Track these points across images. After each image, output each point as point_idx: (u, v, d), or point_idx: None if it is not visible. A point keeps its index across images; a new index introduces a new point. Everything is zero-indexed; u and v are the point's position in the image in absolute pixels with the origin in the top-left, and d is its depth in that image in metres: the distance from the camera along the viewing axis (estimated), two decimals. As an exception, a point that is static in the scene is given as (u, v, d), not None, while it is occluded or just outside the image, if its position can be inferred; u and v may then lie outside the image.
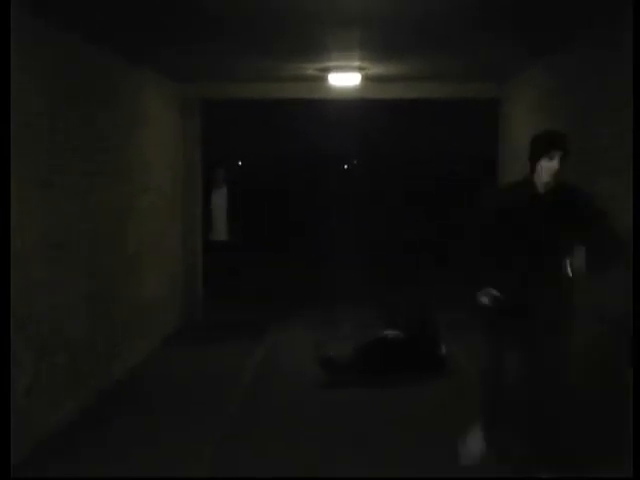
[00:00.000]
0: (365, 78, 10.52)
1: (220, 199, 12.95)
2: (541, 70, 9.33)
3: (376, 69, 10.05)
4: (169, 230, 11.03)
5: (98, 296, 7.99)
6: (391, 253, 19.58)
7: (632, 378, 5.35)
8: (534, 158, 5.62)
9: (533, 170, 5.63)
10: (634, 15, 5.65)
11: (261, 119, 24.22)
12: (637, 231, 5.60)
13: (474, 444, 6.13)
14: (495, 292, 5.63)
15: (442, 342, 9.13)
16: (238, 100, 13.07)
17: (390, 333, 9.05)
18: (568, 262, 5.44)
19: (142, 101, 9.79)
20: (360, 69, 9.94)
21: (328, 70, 9.98)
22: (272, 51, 8.80)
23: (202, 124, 12.31)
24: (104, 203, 8.23)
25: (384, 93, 11.75)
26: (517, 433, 5.96)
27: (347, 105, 15.68)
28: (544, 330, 5.56)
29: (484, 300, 5.66)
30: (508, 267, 5.63)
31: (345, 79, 10.24)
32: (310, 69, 10.06)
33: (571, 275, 5.45)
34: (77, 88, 7.55)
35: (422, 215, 23.60)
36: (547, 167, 5.54)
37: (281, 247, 20.64)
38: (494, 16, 6.97)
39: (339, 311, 12.47)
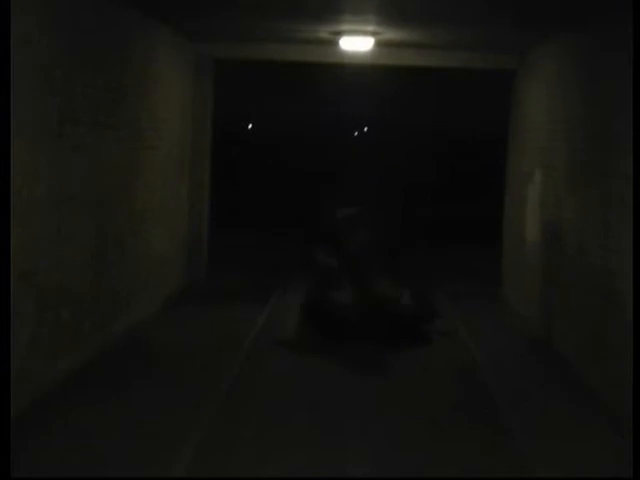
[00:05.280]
0: (378, 43, 10.41)
1: None
2: (559, 45, 9.20)
3: (390, 34, 9.94)
4: (176, 191, 11.00)
5: (104, 251, 7.99)
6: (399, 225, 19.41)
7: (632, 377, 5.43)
8: None
9: None
10: (634, 15, 5.55)
11: (273, 81, 24.02)
12: (637, 230, 5.55)
13: None
14: None
15: (437, 315, 9.23)
16: (250, 62, 12.98)
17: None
18: None
19: (157, 58, 9.71)
20: (374, 34, 9.84)
21: (341, 34, 9.88)
22: (286, 12, 8.72)
23: (215, 86, 12.22)
24: (113, 157, 8.19)
25: (396, 59, 11.65)
26: None
27: (362, 71, 15.52)
28: None
29: None
30: None
31: (357, 43, 10.13)
32: (324, 32, 9.96)
33: None
34: (93, 40, 7.49)
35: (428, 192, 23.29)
36: None
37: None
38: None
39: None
